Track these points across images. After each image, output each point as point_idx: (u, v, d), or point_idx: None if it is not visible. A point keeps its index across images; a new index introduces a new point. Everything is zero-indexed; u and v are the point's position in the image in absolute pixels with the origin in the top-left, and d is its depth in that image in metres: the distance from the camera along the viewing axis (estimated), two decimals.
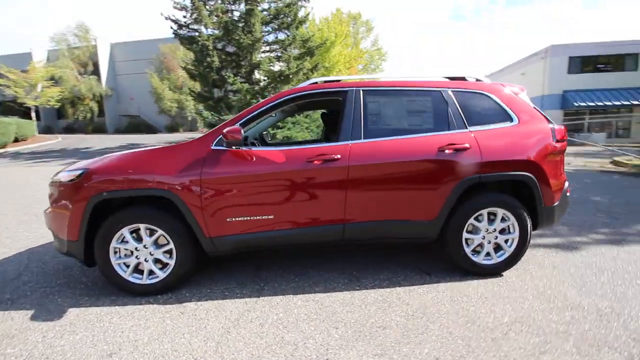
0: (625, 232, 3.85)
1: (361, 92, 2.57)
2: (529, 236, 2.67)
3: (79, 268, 2.96)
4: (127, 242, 2.37)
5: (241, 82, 14.68)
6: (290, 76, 14.86)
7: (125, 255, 2.40)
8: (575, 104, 21.10)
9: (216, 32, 15.03)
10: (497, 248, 2.70)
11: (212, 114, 14.50)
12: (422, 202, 2.52)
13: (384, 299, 2.35)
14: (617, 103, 20.77)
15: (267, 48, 16.43)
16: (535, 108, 2.81)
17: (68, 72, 26.96)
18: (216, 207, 2.34)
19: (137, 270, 2.43)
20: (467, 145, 2.51)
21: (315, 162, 2.38)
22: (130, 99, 30.34)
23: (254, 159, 2.37)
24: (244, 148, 2.39)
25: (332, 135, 3.78)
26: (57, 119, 30.67)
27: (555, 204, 2.71)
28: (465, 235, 2.63)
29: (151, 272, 2.43)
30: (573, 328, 2.01)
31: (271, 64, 15.81)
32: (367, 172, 2.42)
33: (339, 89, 2.58)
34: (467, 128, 2.60)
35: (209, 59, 14.56)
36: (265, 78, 15.92)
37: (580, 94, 21.22)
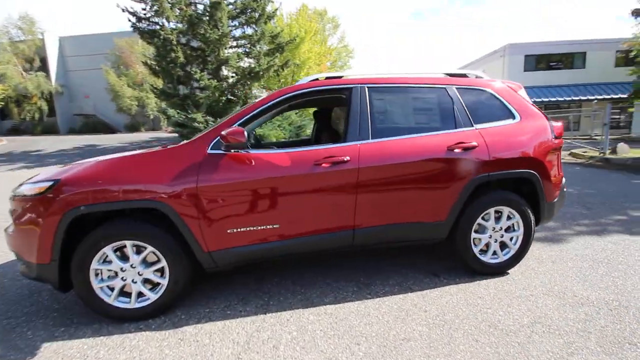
0: (604, 222, 4.04)
1: (366, 89, 2.42)
2: (532, 233, 2.68)
3: (48, 292, 2.58)
4: (110, 262, 2.06)
5: (209, 79, 14.06)
6: (261, 73, 14.47)
7: (109, 277, 2.09)
8: (531, 100, 22.41)
9: (180, 25, 14.25)
10: (503, 246, 2.69)
11: (178, 112, 13.72)
12: (432, 203, 2.43)
13: (399, 307, 2.24)
14: (568, 99, 22.34)
15: (235, 43, 15.86)
16: (533, 105, 2.82)
17: (11, 68, 24.49)
18: (216, 218, 2.09)
19: (124, 293, 2.13)
20: (475, 143, 2.45)
21: (324, 165, 2.20)
22: (84, 96, 28.15)
23: (257, 164, 2.15)
24: (242, 151, 2.16)
25: (324, 135, 3.63)
26: (0, 120, 27.80)
27: (555, 199, 2.74)
28: (473, 235, 2.58)
29: (140, 294, 2.14)
30: (590, 325, 2.01)
31: (240, 60, 15.29)
32: (377, 174, 2.29)
33: (344, 85, 2.42)
34: (473, 126, 2.54)
35: (172, 54, 13.79)
36: (234, 74, 15.38)
37: (536, 90, 22.56)
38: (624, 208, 4.67)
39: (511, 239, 2.67)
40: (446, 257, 3.02)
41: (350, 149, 2.27)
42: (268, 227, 2.18)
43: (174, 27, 14.18)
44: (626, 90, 20.62)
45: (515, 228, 2.67)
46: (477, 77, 2.81)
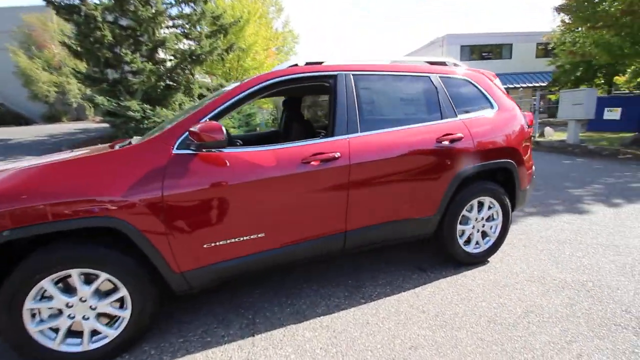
0: (553, 203, 4.37)
1: (352, 76, 2.20)
2: (510, 221, 2.73)
3: None
4: (51, 298, 1.62)
5: (142, 62, 12.66)
6: (203, 56, 13.41)
7: (50, 316, 1.64)
8: None
9: (105, 1, 12.54)
10: (483, 235, 2.71)
11: (108, 100, 12.17)
12: (424, 198, 2.33)
13: (396, 310, 2.11)
14: None
15: (172, 23, 14.45)
16: (507, 94, 2.84)
17: None
18: (188, 232, 1.74)
19: (73, 333, 1.70)
20: (461, 135, 2.38)
21: (313, 162, 1.95)
22: None
23: (236, 164, 1.82)
24: (215, 150, 1.81)
25: (295, 126, 3.34)
26: None
27: (528, 186, 2.82)
28: (458, 227, 2.54)
29: (95, 332, 1.73)
30: (577, 310, 2.08)
31: (178, 41, 14.00)
32: (369, 170, 2.10)
33: (328, 72, 2.16)
34: (457, 116, 2.47)
35: (98, 33, 12.13)
36: (173, 57, 14.07)
37: None
38: (565, 187, 5.13)
39: (491, 227, 2.70)
40: (425, 249, 2.98)
41: (340, 144, 2.05)
42: (252, 237, 1.88)
43: (98, 2, 12.42)
44: (546, 79, 23.09)
45: (495, 217, 2.70)
46: (455, 65, 2.74)
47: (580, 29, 14.81)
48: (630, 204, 4.18)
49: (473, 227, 2.62)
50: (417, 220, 2.36)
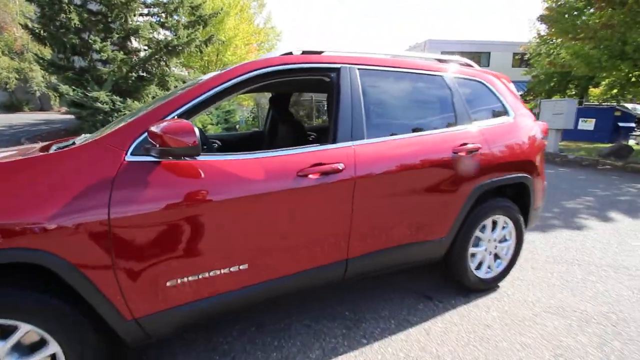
0: (550, 217, 4.18)
1: (357, 71, 1.82)
2: (522, 242, 2.45)
3: None
4: None
5: (113, 51, 11.78)
6: (180, 47, 12.64)
7: None
8: None
9: None
10: (495, 258, 2.41)
11: (73, 89, 11.19)
12: (437, 217, 1.99)
13: (406, 353, 1.76)
14: None
15: (147, 11, 13.59)
16: (521, 100, 2.56)
17: None
18: (146, 266, 1.30)
19: None
20: (479, 144, 2.06)
21: (311, 176, 1.55)
22: None
23: (212, 177, 1.40)
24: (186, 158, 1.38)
25: (283, 127, 2.93)
26: None
27: (540, 204, 2.55)
28: (470, 249, 2.23)
29: None
30: (609, 351, 1.80)
31: (153, 31, 13.17)
32: (376, 185, 1.73)
33: (330, 65, 1.76)
34: (472, 123, 2.15)
35: (63, 16, 11.18)
36: (147, 47, 13.24)
37: None
38: (558, 199, 4.99)
39: (504, 249, 2.40)
40: (424, 272, 2.66)
41: (343, 153, 1.66)
42: (231, 269, 1.47)
43: None
44: (521, 89, 23.75)
45: (507, 238, 2.40)
46: (467, 65, 2.42)
47: (554, 40, 15.29)
48: (626, 219, 4.06)
49: (485, 250, 2.31)
50: (427, 243, 2.01)
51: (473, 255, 2.28)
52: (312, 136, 3.32)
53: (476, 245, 2.28)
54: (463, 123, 2.10)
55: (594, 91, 15.83)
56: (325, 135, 1.83)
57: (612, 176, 7.12)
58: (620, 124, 12.50)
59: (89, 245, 1.20)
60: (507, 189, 2.39)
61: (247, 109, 16.92)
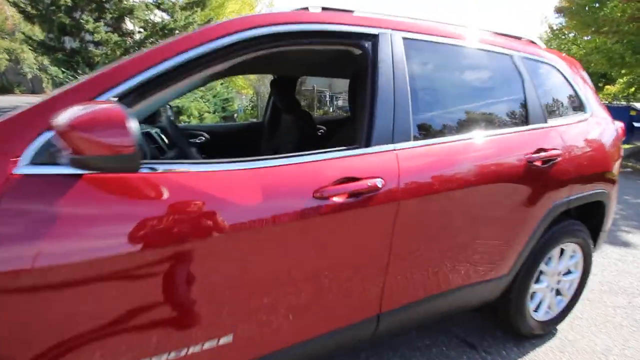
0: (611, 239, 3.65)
1: (402, 41, 1.24)
2: (589, 273, 1.93)
3: None
4: None
5: (107, 32, 11.09)
6: (177, 30, 11.98)
7: None
8: None
9: None
10: (556, 294, 1.88)
11: (63, 71, 10.52)
12: (500, 249, 1.45)
13: None
14: None
15: None
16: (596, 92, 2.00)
17: None
18: (46, 347, 0.76)
19: None
20: (558, 151, 1.51)
21: (335, 198, 0.99)
22: None
23: (180, 199, 0.84)
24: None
25: (286, 119, 2.36)
26: None
27: (610, 224, 2.02)
28: (532, 287, 1.69)
29: None
30: None
31: (149, 12, 12.46)
32: (427, 208, 1.18)
33: (365, 28, 1.18)
34: (546, 121, 1.59)
35: None
36: (142, 30, 12.53)
37: None
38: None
39: (567, 284, 1.88)
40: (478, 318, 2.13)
41: (382, 162, 1.10)
42: (205, 346, 0.92)
43: None
44: None
45: (573, 269, 1.87)
46: (532, 43, 1.85)
47: (567, 35, 14.61)
48: None
49: (547, 286, 1.78)
50: (484, 284, 1.48)
51: (533, 293, 1.75)
52: (322, 130, 2.76)
53: (537, 281, 1.75)
54: (536, 121, 1.54)
55: (609, 89, 15.21)
56: (346, 132, 1.27)
57: (636, 180, 6.61)
58: (636, 124, 11.93)
59: None
60: (573, 208, 1.85)
61: (246, 97, 16.26)
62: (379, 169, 1.08)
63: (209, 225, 0.85)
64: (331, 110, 14.49)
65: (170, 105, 2.33)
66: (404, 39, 1.24)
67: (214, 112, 12.86)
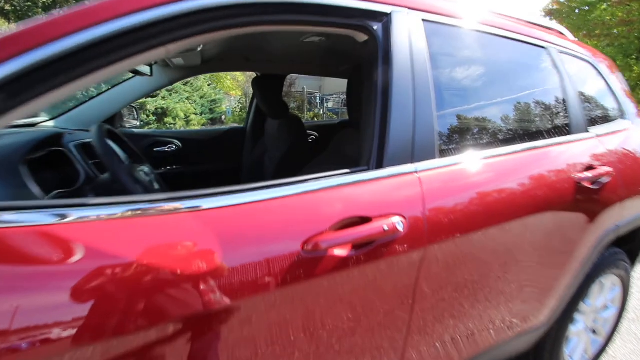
0: None
1: (422, 23, 0.93)
2: (625, 306, 1.65)
3: None
4: None
5: None
6: None
7: None
8: None
9: None
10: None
11: None
12: (540, 294, 1.15)
13: None
14: None
15: None
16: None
17: None
18: None
19: None
20: (609, 168, 1.21)
21: (337, 251, 0.66)
22: None
23: (89, 276, 0.50)
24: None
25: (272, 126, 2.03)
26: None
27: None
28: (569, 330, 1.40)
29: None
30: None
31: None
32: (461, 251, 0.87)
33: (372, 4, 0.85)
34: (587, 130, 1.30)
35: None
36: None
37: None
38: None
39: (602, 322, 1.59)
40: None
41: (400, 191, 0.78)
42: None
43: None
44: None
45: (610, 305, 1.59)
46: (561, 34, 1.56)
47: None
48: None
49: (584, 327, 1.49)
50: (519, 338, 1.17)
51: (568, 337, 1.45)
52: (313, 137, 2.44)
53: (573, 322, 1.45)
54: (578, 130, 1.25)
55: None
56: (344, 147, 0.95)
57: None
58: None
59: None
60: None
61: (234, 99, 15.84)
62: (396, 201, 0.76)
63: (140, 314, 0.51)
64: (321, 112, 14.20)
65: (135, 107, 1.98)
66: (425, 21, 0.93)
67: (200, 114, 12.44)
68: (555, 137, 1.18)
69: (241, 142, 2.21)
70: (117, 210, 0.56)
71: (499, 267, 0.99)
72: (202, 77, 12.54)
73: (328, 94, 14.55)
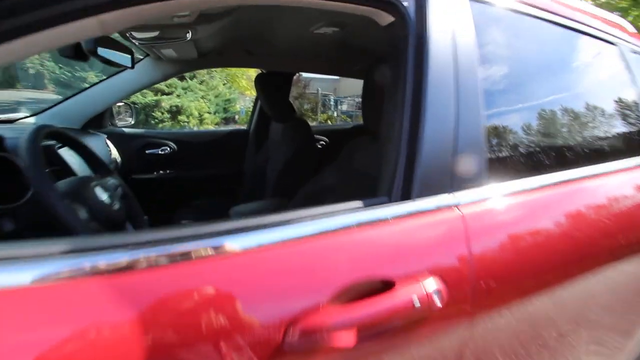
0: None
1: (468, 3, 0.69)
2: None
3: None
4: None
5: None
6: None
7: None
8: None
9: None
10: None
11: (59, 67, 10.16)
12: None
13: None
14: None
15: None
16: None
17: None
18: None
19: None
20: None
21: (332, 339, 0.44)
22: None
23: None
24: None
25: (276, 132, 1.81)
26: None
27: None
28: None
29: None
30: None
31: None
32: (518, 317, 0.62)
33: None
34: None
35: None
36: None
37: None
38: None
39: None
40: None
41: (436, 235, 0.54)
42: None
43: None
44: None
45: None
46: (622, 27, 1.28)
47: None
48: None
49: None
50: None
51: None
52: (322, 142, 2.21)
53: None
54: None
55: None
56: (355, 167, 0.72)
57: None
58: None
59: None
60: None
61: (250, 98, 15.80)
62: (429, 252, 0.52)
63: None
64: (335, 115, 14.00)
65: (130, 104, 1.80)
66: (473, 0, 0.68)
67: (214, 113, 12.41)
68: (633, 155, 0.92)
69: (244, 145, 2.00)
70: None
71: (571, 331, 0.73)
72: (218, 76, 12.52)
73: (342, 96, 14.36)
